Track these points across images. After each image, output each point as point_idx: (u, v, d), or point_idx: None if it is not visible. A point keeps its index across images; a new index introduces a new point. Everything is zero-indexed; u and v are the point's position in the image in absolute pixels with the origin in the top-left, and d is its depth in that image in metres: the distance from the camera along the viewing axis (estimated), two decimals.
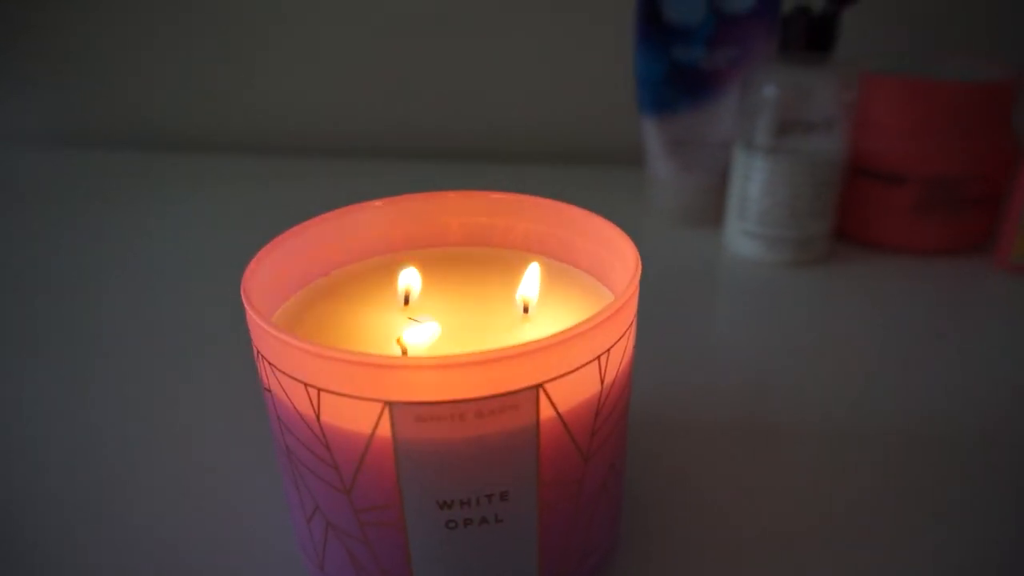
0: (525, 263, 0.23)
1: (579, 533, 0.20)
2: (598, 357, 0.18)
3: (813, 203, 0.41)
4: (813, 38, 0.39)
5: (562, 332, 0.17)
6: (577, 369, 0.17)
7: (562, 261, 0.25)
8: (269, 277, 0.21)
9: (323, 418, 0.17)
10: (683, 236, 0.47)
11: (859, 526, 0.25)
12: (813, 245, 0.43)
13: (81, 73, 0.64)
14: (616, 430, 0.20)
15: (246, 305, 0.18)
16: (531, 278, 0.22)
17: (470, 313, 0.22)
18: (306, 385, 0.17)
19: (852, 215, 0.45)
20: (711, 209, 0.48)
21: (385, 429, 0.17)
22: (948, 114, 0.42)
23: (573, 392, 0.18)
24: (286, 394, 0.18)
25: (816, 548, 0.24)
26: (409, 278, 0.23)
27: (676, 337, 0.36)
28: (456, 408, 0.16)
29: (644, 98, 0.47)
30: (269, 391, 0.19)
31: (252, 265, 0.20)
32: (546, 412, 0.17)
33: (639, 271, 0.20)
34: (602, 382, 0.18)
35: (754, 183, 0.42)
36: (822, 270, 0.43)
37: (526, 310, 0.22)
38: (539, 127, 0.62)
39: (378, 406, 0.16)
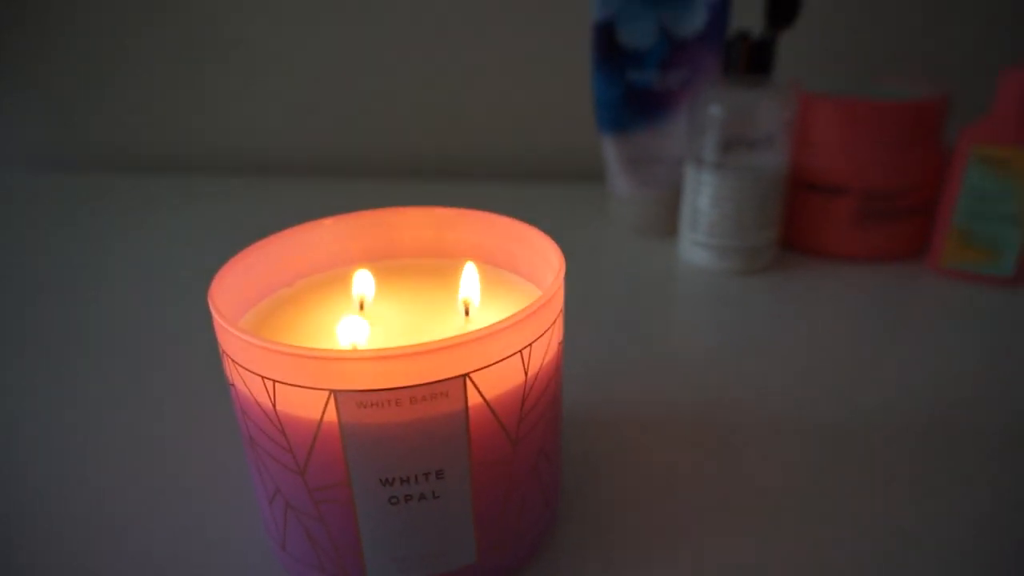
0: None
1: (513, 512, 0.23)
2: (520, 351, 0.20)
3: (758, 215, 0.44)
4: (753, 61, 0.42)
5: (484, 328, 0.19)
6: (500, 361, 0.20)
7: (504, 268, 0.28)
8: (235, 286, 0.24)
9: (279, 407, 0.20)
10: (641, 247, 0.50)
11: (787, 507, 0.27)
12: (760, 254, 0.45)
13: (42, 98, 0.66)
14: (544, 418, 0.23)
15: (213, 311, 0.21)
16: (470, 280, 0.25)
17: (418, 316, 0.25)
18: (263, 378, 0.20)
19: (797, 226, 0.48)
20: (666, 222, 0.51)
21: (332, 415, 0.19)
22: (882, 131, 0.45)
23: (498, 381, 0.20)
24: (247, 387, 0.20)
25: (745, 526, 0.26)
26: (363, 281, 0.25)
27: (631, 338, 0.38)
28: (393, 395, 0.19)
29: (602, 118, 0.50)
30: (233, 386, 0.21)
31: (219, 276, 0.23)
32: (474, 399, 0.20)
33: (562, 275, 0.22)
34: (526, 373, 0.21)
35: (703, 196, 0.44)
36: (769, 277, 0.45)
37: (467, 312, 0.24)
38: (507, 147, 0.65)
39: (324, 394, 0.19)
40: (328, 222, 0.27)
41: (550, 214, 0.55)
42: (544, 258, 0.25)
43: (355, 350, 0.20)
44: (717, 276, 0.46)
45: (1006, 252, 0.43)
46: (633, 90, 0.49)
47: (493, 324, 0.20)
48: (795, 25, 0.43)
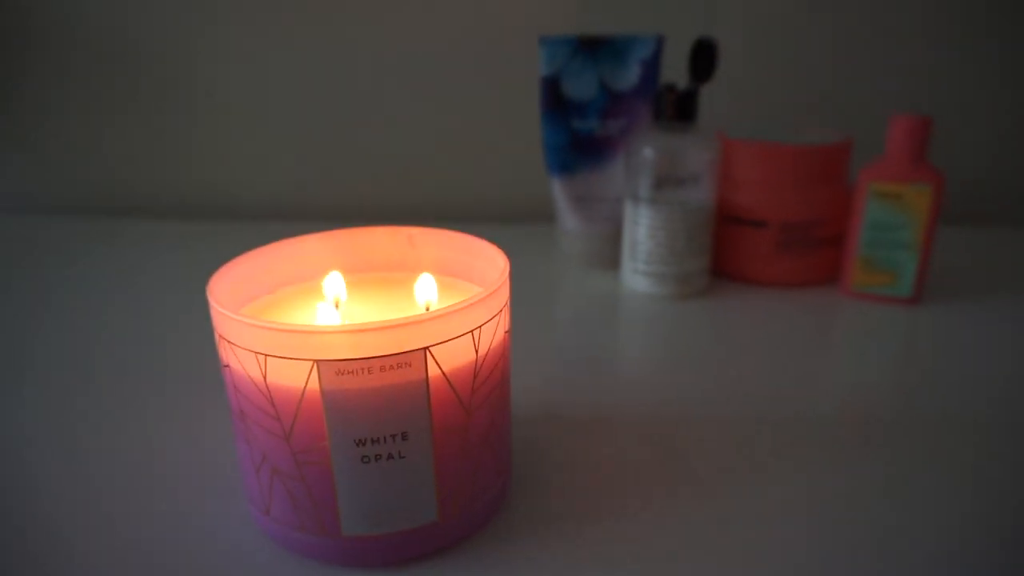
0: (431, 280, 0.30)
1: (469, 475, 0.26)
2: (472, 331, 0.25)
3: (688, 244, 0.49)
4: (679, 110, 0.48)
5: (441, 309, 0.24)
6: (455, 338, 0.24)
7: (462, 279, 0.32)
8: (223, 291, 0.28)
9: (269, 379, 0.24)
10: (588, 277, 0.55)
11: (713, 484, 0.31)
12: (692, 280, 0.51)
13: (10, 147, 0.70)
14: (494, 394, 0.27)
15: (211, 301, 0.25)
16: (427, 286, 0.29)
17: (386, 315, 0.29)
18: (256, 353, 0.23)
19: (726, 256, 0.53)
20: (610, 255, 0.56)
21: (315, 383, 0.23)
22: (796, 171, 0.51)
23: (453, 356, 0.24)
24: (241, 364, 0.24)
25: (677, 505, 0.30)
26: (335, 282, 0.29)
27: (577, 352, 0.43)
28: (365, 363, 0.23)
29: (551, 162, 0.56)
30: (228, 366, 0.25)
31: (214, 279, 0.27)
32: (433, 370, 0.24)
33: (506, 272, 0.27)
34: (476, 352, 0.25)
35: (641, 228, 0.50)
36: (702, 302, 0.50)
37: (427, 310, 0.29)
38: (460, 192, 0.70)
39: (308, 364, 0.23)
40: (306, 238, 0.31)
41: (504, 249, 0.60)
42: (494, 266, 0.30)
43: (335, 326, 0.24)
44: (655, 300, 0.51)
45: (905, 276, 0.48)
46: (577, 137, 0.55)
47: (448, 307, 0.24)
48: (713, 79, 0.49)
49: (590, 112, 0.54)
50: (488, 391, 0.26)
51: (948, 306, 0.49)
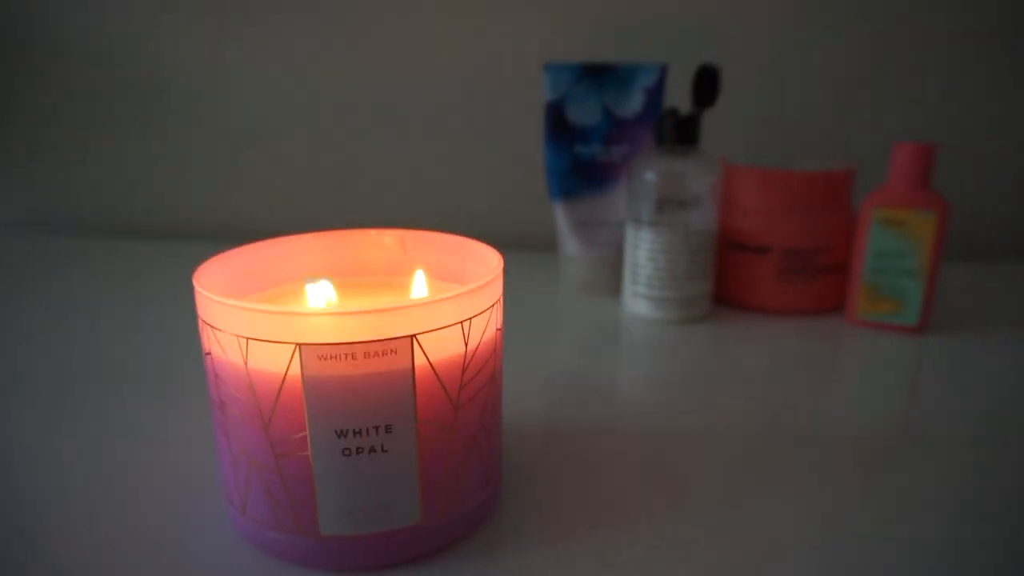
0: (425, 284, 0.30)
1: (455, 477, 0.25)
2: (461, 323, 0.24)
3: (690, 267, 0.49)
4: (681, 134, 0.48)
5: (429, 296, 0.23)
6: (443, 328, 0.23)
7: (456, 282, 0.31)
8: (213, 281, 0.27)
9: (250, 364, 0.23)
10: (588, 301, 0.54)
11: (713, 500, 0.30)
12: (694, 304, 0.50)
13: None
14: (484, 393, 0.26)
15: (196, 286, 0.24)
16: (419, 284, 0.28)
17: None
18: (238, 337, 0.23)
19: (728, 283, 0.53)
20: (611, 278, 0.55)
21: (296, 368, 0.22)
22: (799, 197, 0.50)
23: (441, 347, 0.24)
24: (223, 350, 0.23)
25: (671, 525, 0.29)
26: (323, 289, 0.29)
27: (576, 373, 0.42)
28: (349, 348, 0.22)
29: (553, 186, 0.56)
30: (209, 354, 0.24)
31: (201, 268, 0.26)
32: (420, 360, 0.23)
33: (500, 269, 0.26)
34: (466, 345, 0.24)
35: (642, 251, 0.49)
36: (703, 327, 0.50)
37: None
38: (467, 217, 0.70)
39: (291, 348, 0.22)
40: (299, 237, 0.31)
41: (510, 276, 0.60)
42: (488, 267, 0.29)
43: (319, 308, 0.23)
44: (656, 325, 0.50)
45: (910, 303, 0.48)
46: (580, 162, 0.55)
47: (437, 295, 0.23)
48: (716, 106, 0.49)
49: (593, 137, 0.54)
50: (477, 388, 0.25)
51: (955, 335, 0.48)
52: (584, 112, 0.54)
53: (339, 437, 0.23)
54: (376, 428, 0.23)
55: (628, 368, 0.45)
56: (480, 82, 0.66)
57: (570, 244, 0.56)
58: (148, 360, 0.43)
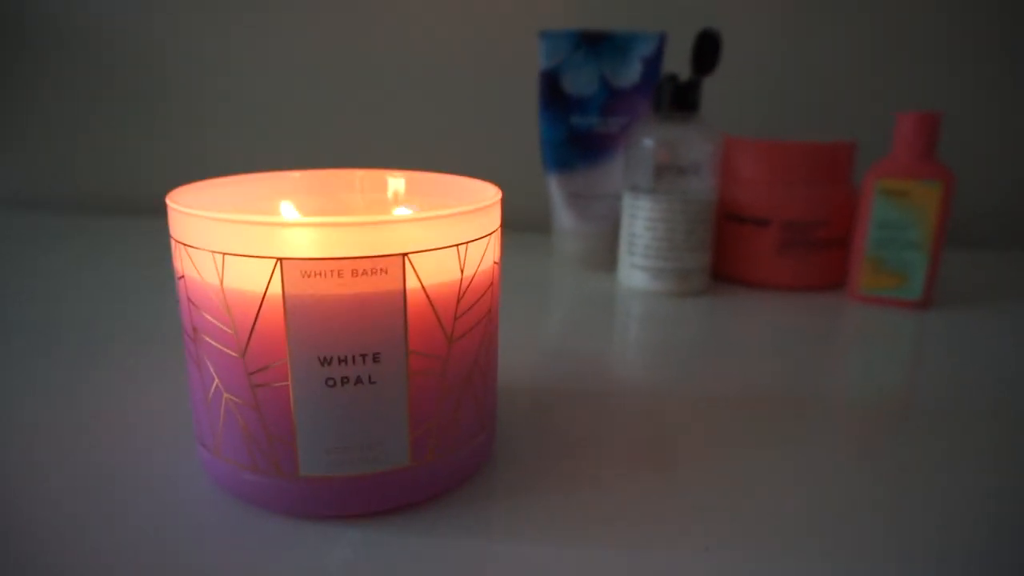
0: None
1: (447, 415, 0.24)
2: (457, 246, 0.22)
3: (688, 237, 0.47)
4: (680, 100, 0.47)
5: (423, 213, 0.21)
6: (438, 249, 0.22)
7: None
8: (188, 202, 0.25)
9: (226, 283, 0.21)
10: (583, 276, 0.53)
11: (708, 460, 0.28)
12: (692, 277, 0.48)
13: None
14: (480, 328, 0.24)
15: (168, 203, 0.22)
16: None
17: None
18: (213, 253, 0.21)
19: (727, 258, 0.51)
20: (606, 252, 0.54)
21: (276, 286, 0.20)
22: (799, 169, 0.49)
23: (435, 270, 0.22)
24: (197, 270, 0.21)
25: (668, 479, 0.27)
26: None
27: (570, 342, 0.40)
28: (335, 265, 0.20)
29: (548, 158, 0.54)
30: (183, 278, 0.22)
31: (177, 191, 0.24)
32: (412, 282, 0.21)
33: (499, 198, 0.24)
34: (462, 272, 0.23)
35: (639, 220, 0.48)
36: (701, 300, 0.48)
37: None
38: None
39: (271, 264, 0.20)
40: (279, 174, 0.29)
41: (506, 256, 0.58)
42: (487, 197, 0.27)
43: (301, 219, 0.21)
44: (653, 297, 0.48)
45: (914, 277, 0.46)
46: (576, 133, 0.53)
47: (430, 211, 0.21)
48: (716, 75, 0.48)
49: (590, 108, 0.53)
50: (473, 322, 0.24)
51: (959, 310, 0.46)
52: (580, 82, 0.52)
53: (322, 365, 0.21)
54: (363, 356, 0.21)
55: (624, 340, 0.43)
56: (473, 49, 0.65)
57: (565, 218, 0.54)
58: (123, 320, 0.41)
